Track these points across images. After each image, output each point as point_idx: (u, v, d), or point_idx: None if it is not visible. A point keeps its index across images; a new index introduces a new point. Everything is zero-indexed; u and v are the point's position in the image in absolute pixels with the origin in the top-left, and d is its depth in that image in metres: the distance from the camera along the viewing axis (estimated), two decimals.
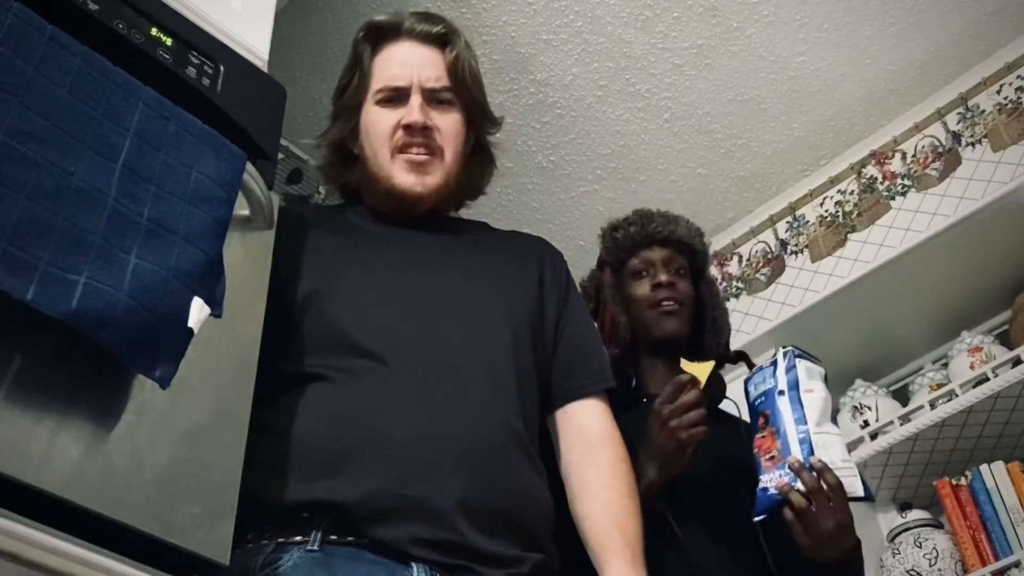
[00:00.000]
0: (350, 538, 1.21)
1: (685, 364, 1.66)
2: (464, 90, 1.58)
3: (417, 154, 1.52)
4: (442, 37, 1.59)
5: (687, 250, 1.94)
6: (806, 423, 1.56)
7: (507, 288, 1.52)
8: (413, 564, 1.21)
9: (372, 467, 1.24)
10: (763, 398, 1.63)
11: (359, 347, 1.35)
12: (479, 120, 1.63)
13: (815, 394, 1.59)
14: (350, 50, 1.63)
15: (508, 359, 1.42)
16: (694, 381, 1.62)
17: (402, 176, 1.52)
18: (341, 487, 1.23)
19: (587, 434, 1.48)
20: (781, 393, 1.60)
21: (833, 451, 1.55)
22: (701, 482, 1.67)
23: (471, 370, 1.37)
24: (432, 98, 1.55)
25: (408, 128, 1.51)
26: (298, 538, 1.21)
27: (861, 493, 1.54)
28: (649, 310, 1.87)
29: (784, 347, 1.67)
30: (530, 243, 1.67)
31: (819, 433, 1.55)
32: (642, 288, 1.89)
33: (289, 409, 1.30)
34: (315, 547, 1.20)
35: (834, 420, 1.63)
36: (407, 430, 1.28)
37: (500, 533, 1.27)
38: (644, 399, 1.81)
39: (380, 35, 1.60)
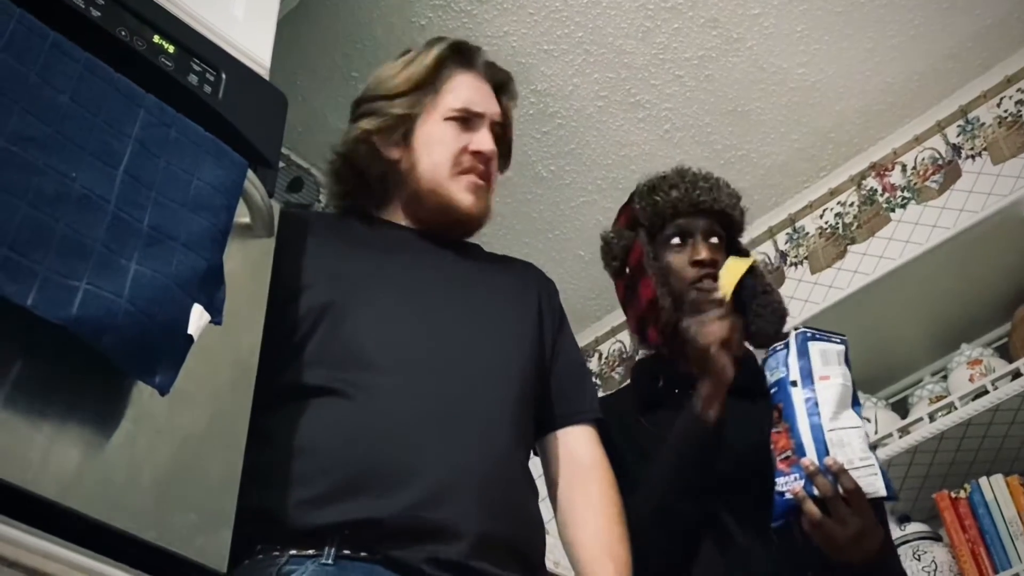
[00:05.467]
0: (363, 553, 1.21)
1: (731, 262, 1.66)
2: (510, 133, 1.69)
3: (480, 178, 1.58)
4: (504, 84, 1.69)
5: (726, 221, 1.80)
6: (820, 419, 1.44)
7: (515, 310, 1.55)
8: None
9: (394, 489, 1.25)
10: (776, 388, 1.51)
11: (375, 363, 1.35)
12: (503, 161, 1.71)
13: (831, 381, 1.47)
14: (432, 56, 1.61)
15: (516, 382, 1.44)
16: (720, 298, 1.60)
17: (463, 195, 1.56)
18: (361, 507, 1.23)
19: (577, 460, 1.50)
20: (794, 384, 1.48)
21: (850, 449, 1.42)
22: (748, 473, 1.56)
23: (485, 392, 1.39)
24: (493, 131, 1.62)
25: (479, 154, 1.57)
26: (312, 551, 1.21)
27: (883, 492, 1.41)
28: (689, 287, 1.70)
29: (796, 328, 1.56)
30: (525, 269, 1.69)
31: (835, 429, 1.43)
32: (679, 260, 1.73)
33: (302, 423, 1.30)
34: (329, 561, 1.20)
35: (856, 403, 1.50)
36: (424, 452, 1.28)
37: (507, 560, 1.29)
38: (677, 390, 1.68)
39: (460, 58, 1.65)
